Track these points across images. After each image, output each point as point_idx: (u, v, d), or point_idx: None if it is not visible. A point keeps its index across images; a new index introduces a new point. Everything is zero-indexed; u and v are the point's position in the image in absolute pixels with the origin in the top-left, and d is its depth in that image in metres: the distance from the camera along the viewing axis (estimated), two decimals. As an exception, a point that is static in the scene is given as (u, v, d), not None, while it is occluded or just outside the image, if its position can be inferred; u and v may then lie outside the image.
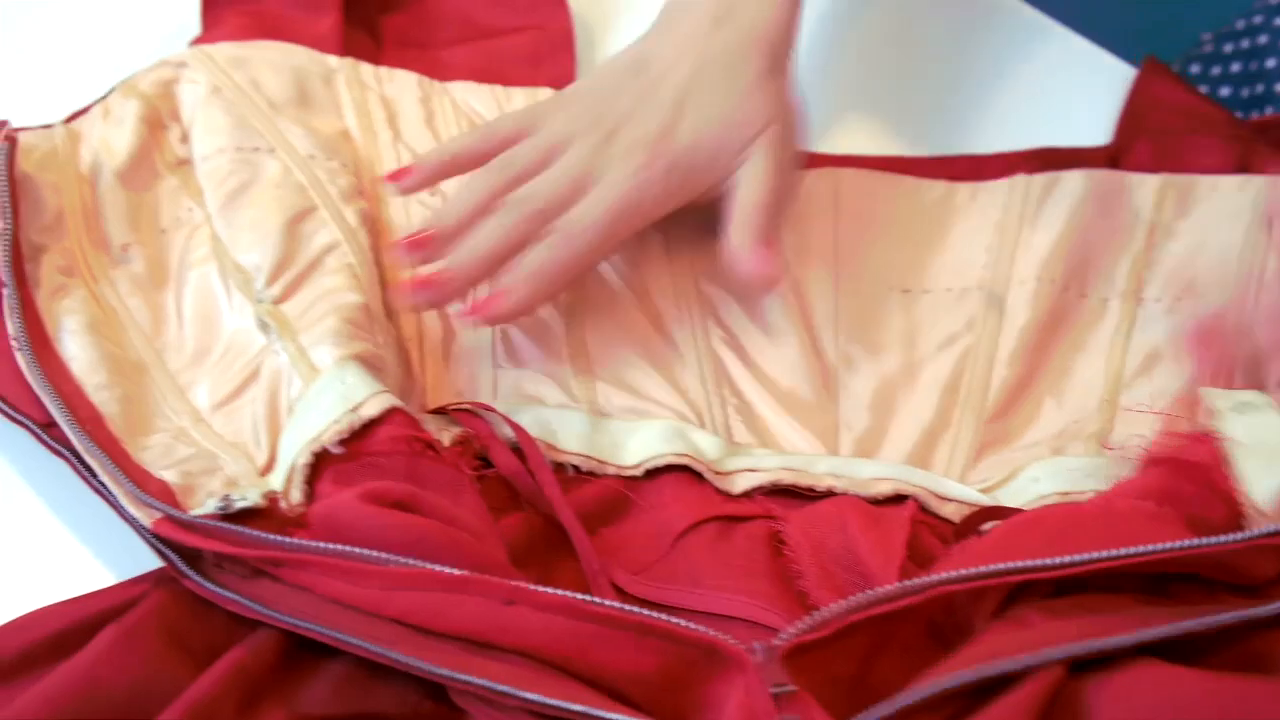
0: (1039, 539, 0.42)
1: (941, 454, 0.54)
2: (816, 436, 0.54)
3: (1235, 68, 0.82)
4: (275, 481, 0.46)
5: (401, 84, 0.62)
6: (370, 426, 0.46)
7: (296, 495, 0.45)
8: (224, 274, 0.53)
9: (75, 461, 0.47)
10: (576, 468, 0.50)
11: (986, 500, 0.51)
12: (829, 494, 0.51)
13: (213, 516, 0.44)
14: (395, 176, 0.55)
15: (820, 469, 0.51)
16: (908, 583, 0.41)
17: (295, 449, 0.46)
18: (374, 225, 0.56)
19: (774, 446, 0.53)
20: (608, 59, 0.58)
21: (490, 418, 0.50)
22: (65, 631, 0.42)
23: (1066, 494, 0.50)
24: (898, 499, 0.50)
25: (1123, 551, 0.40)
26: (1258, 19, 0.80)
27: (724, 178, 0.56)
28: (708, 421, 0.53)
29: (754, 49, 0.56)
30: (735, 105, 0.55)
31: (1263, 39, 0.80)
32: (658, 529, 0.49)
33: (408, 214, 0.57)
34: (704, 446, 0.51)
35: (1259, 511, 0.44)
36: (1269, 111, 0.75)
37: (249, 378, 0.50)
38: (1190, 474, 0.44)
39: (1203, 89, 0.83)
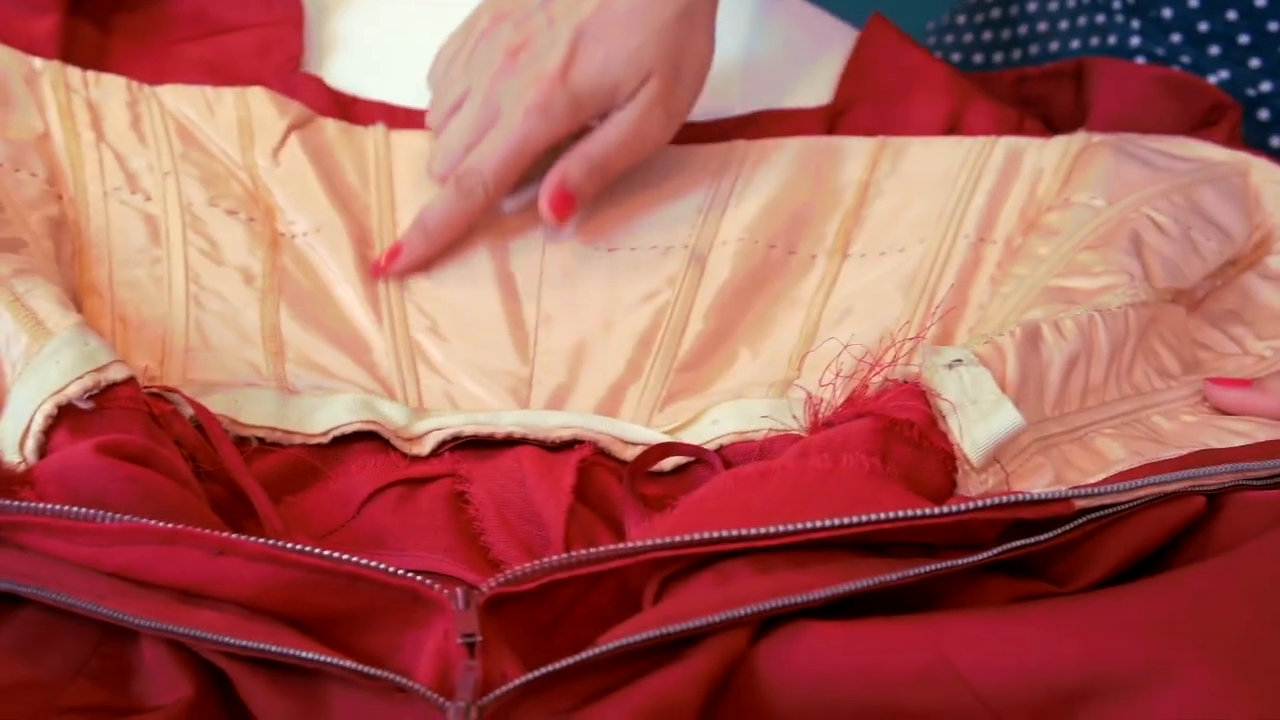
0: (764, 500, 0.43)
1: (630, 403, 0.55)
2: (509, 394, 0.55)
3: (987, 36, 0.85)
4: (5, 434, 0.46)
5: (109, 88, 0.62)
6: (110, 390, 0.46)
7: (31, 446, 0.45)
8: None
9: None
10: (262, 440, 0.51)
11: (667, 440, 0.52)
12: (512, 443, 0.52)
13: None
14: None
15: (506, 421, 0.52)
16: (619, 546, 0.41)
17: (33, 401, 0.45)
18: (67, 228, 0.56)
19: (465, 409, 0.54)
20: None
21: (172, 398, 0.50)
22: None
23: (743, 433, 0.52)
24: (579, 446, 0.52)
25: (829, 523, 0.40)
26: None
27: (608, 113, 0.59)
28: (399, 394, 0.54)
29: None
30: (638, 45, 0.57)
31: (1014, 10, 0.83)
32: (343, 496, 0.50)
33: (107, 213, 0.58)
34: (391, 414, 0.52)
35: (972, 467, 0.45)
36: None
37: None
38: (903, 433, 0.45)
39: (956, 56, 0.86)
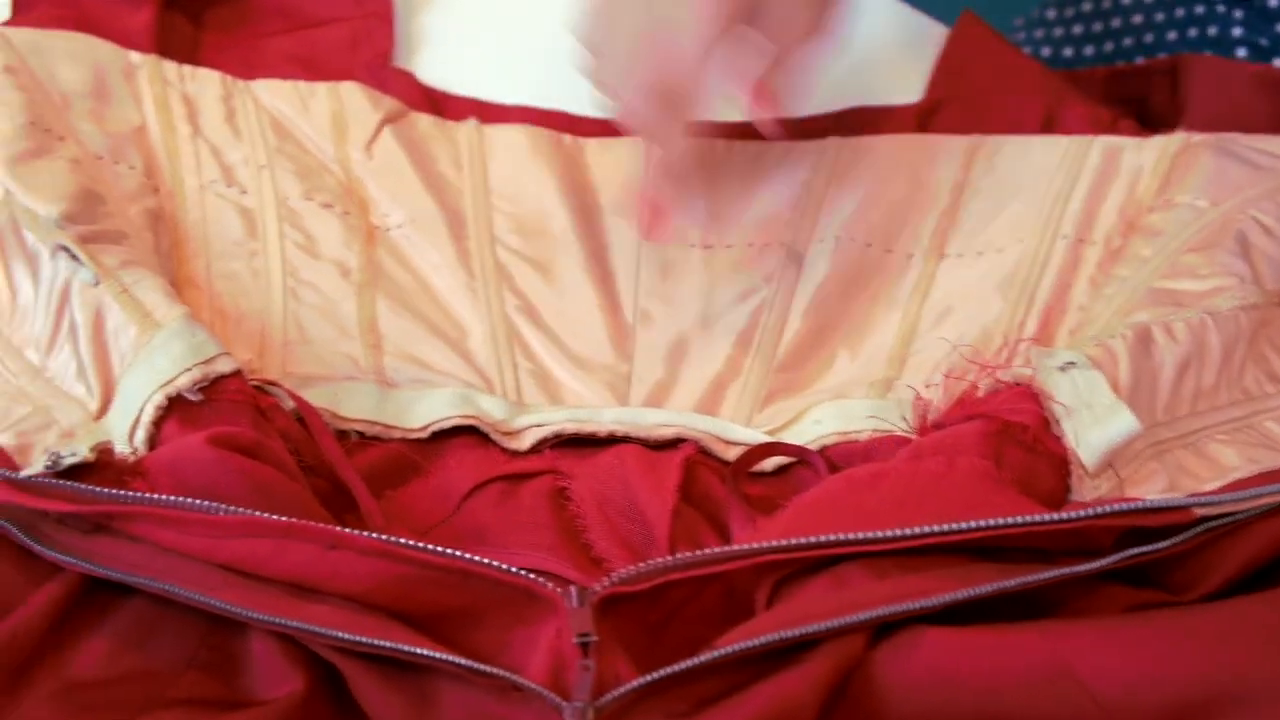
0: (878, 502, 0.42)
1: (729, 401, 0.54)
2: (608, 390, 0.55)
3: (1078, 29, 0.84)
4: (116, 424, 0.46)
5: (203, 82, 0.62)
6: (217, 382, 0.46)
7: (142, 437, 0.45)
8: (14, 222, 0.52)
9: None
10: (361, 434, 0.51)
11: (769, 440, 0.51)
12: (614, 440, 0.52)
13: (44, 475, 0.43)
14: None
15: (606, 418, 0.52)
16: (737, 547, 0.41)
17: (144, 392, 0.45)
18: (165, 221, 0.57)
19: (565, 404, 0.54)
20: None
21: (274, 391, 0.50)
22: None
23: (845, 433, 0.51)
24: (682, 445, 0.51)
25: (949, 527, 0.40)
26: None
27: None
28: (498, 387, 0.54)
29: None
30: None
31: (1106, 2, 0.81)
32: (443, 491, 0.50)
33: (204, 206, 0.58)
34: (490, 409, 0.52)
35: (1087, 472, 0.44)
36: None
37: (60, 305, 0.49)
38: (1016, 436, 0.45)
39: (1045, 51, 0.85)
